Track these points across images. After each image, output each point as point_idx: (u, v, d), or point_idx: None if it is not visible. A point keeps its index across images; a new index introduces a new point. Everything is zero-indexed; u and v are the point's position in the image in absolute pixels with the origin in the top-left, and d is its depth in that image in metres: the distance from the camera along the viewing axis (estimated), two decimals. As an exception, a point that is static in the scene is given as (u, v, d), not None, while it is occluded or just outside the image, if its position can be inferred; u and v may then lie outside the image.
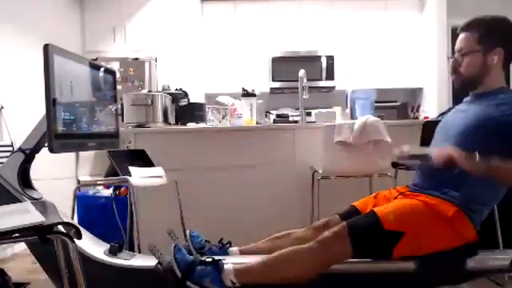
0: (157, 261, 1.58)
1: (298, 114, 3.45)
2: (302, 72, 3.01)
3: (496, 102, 1.49)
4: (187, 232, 1.84)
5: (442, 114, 2.97)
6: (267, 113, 3.69)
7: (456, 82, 1.64)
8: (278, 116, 3.51)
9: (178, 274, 1.48)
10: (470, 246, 1.47)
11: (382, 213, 1.47)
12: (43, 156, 1.69)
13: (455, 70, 1.61)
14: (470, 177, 1.40)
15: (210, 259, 1.52)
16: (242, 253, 1.76)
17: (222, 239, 1.83)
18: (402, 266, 1.49)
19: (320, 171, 2.36)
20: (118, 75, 2.65)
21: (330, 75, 4.75)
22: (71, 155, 4.20)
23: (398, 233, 1.42)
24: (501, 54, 1.53)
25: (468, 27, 1.60)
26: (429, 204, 1.45)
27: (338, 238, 1.44)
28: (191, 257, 1.56)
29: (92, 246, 1.74)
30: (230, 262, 1.52)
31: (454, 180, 1.46)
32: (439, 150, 1.44)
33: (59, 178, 3.79)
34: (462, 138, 1.50)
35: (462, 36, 1.61)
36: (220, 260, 1.52)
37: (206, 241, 1.83)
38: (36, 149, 1.65)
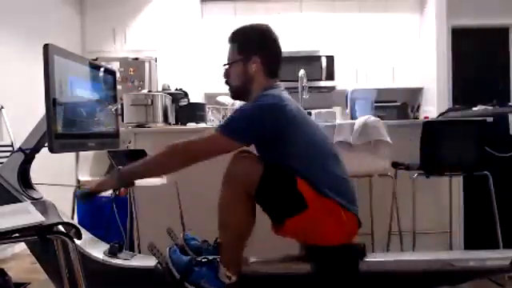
0: (157, 261, 1.58)
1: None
2: (301, 72, 3.01)
3: None
4: (180, 235, 1.84)
5: (442, 114, 2.98)
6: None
7: (230, 93, 1.71)
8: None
9: (176, 275, 1.49)
10: (355, 247, 1.50)
11: (300, 179, 1.46)
12: (43, 156, 1.69)
13: (226, 81, 1.68)
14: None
15: (205, 259, 1.53)
16: None
17: (216, 239, 1.83)
18: (297, 267, 1.53)
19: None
20: (118, 75, 2.65)
21: (330, 75, 4.75)
22: (71, 155, 4.21)
23: (304, 204, 1.41)
24: (258, 62, 1.59)
25: (230, 38, 1.66)
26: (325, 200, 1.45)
27: (253, 166, 1.47)
28: (187, 257, 1.56)
29: (92, 246, 1.74)
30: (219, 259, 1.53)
31: None
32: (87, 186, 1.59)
33: (59, 178, 3.79)
34: None
35: (228, 47, 1.67)
36: (215, 259, 1.52)
37: (203, 241, 1.83)
38: (36, 149, 1.65)
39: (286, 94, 1.59)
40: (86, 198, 1.61)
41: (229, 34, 1.67)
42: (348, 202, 1.47)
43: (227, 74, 1.67)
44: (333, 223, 1.44)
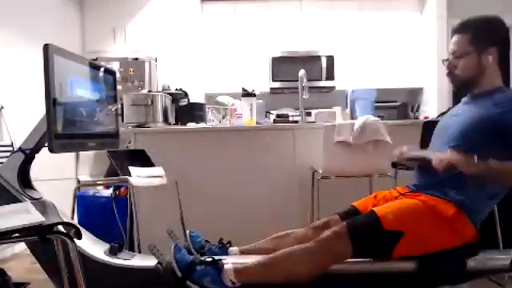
0: (157, 261, 1.58)
1: (297, 113, 3.45)
2: (301, 72, 3.01)
3: (492, 102, 1.49)
4: (187, 232, 1.84)
5: (442, 114, 2.98)
6: (267, 113, 3.69)
7: (453, 84, 1.65)
8: (277, 116, 3.51)
9: (178, 273, 1.48)
10: (469, 246, 1.47)
11: (382, 212, 1.47)
12: (43, 156, 1.69)
13: (451, 72, 1.63)
14: (469, 177, 1.41)
15: (209, 259, 1.52)
16: (242, 253, 1.77)
17: (221, 239, 1.83)
18: (402, 266, 1.49)
19: (320, 171, 2.36)
20: (118, 75, 2.65)
21: (330, 75, 4.75)
22: (71, 155, 4.20)
23: (398, 232, 1.42)
24: (494, 54, 1.54)
25: (460, 29, 1.61)
26: (428, 204, 1.45)
27: (338, 237, 1.44)
28: (191, 256, 1.56)
29: (92, 246, 1.74)
30: (230, 262, 1.52)
31: (453, 180, 1.46)
32: (438, 154, 1.44)
33: (59, 178, 3.79)
34: (460, 139, 1.50)
35: (454, 38, 1.62)
36: (220, 260, 1.52)
37: (205, 241, 1.83)
38: (36, 149, 1.65)
39: None
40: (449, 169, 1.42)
41: (456, 26, 1.62)
42: (478, 216, 1.48)
43: (454, 65, 1.61)
44: (443, 229, 1.43)
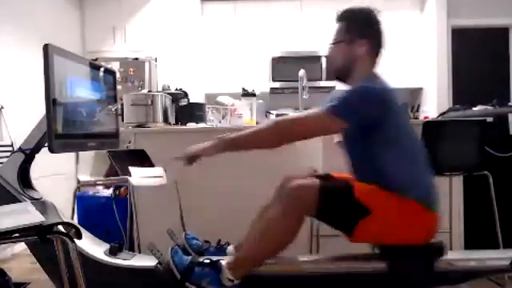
0: (157, 261, 1.58)
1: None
2: (301, 72, 3.01)
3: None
4: (182, 234, 1.84)
5: (442, 114, 2.98)
6: (267, 113, 3.69)
7: (329, 69, 1.69)
8: (277, 116, 3.51)
9: (177, 275, 1.48)
10: (436, 246, 1.48)
11: (357, 184, 1.47)
12: (43, 156, 1.69)
13: (328, 60, 1.68)
14: (368, 159, 1.46)
15: (208, 260, 1.52)
16: (237, 249, 1.76)
17: (219, 240, 1.83)
18: (372, 266, 1.50)
19: (320, 171, 2.35)
20: (118, 75, 2.65)
21: (330, 75, 4.75)
22: (71, 155, 4.21)
23: (366, 209, 1.40)
24: (366, 45, 1.56)
25: (338, 18, 1.64)
26: (393, 199, 1.44)
27: (307, 188, 1.43)
28: (189, 258, 1.56)
29: (92, 246, 1.74)
30: (227, 262, 1.53)
31: (367, 168, 1.50)
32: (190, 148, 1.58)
33: (59, 178, 3.79)
34: None
35: (335, 27, 1.65)
36: (218, 261, 1.52)
37: (205, 241, 1.83)
38: (36, 149, 1.65)
39: (388, 84, 1.57)
40: (189, 160, 1.62)
41: (338, 13, 1.65)
42: (430, 202, 1.46)
43: (331, 53, 1.65)
44: (407, 221, 1.43)
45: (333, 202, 1.43)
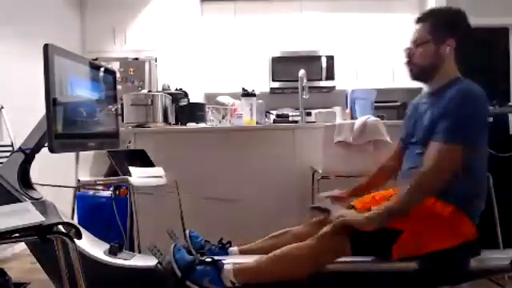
0: (157, 261, 1.58)
1: (297, 113, 3.45)
2: (301, 72, 3.01)
3: (445, 98, 1.48)
4: (186, 232, 1.84)
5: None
6: (267, 113, 3.69)
7: (411, 73, 1.66)
8: (277, 116, 3.51)
9: (178, 273, 1.48)
10: (471, 246, 1.46)
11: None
12: (43, 156, 1.69)
13: (410, 60, 1.64)
14: (453, 174, 1.41)
15: (209, 259, 1.52)
16: (242, 252, 1.76)
17: (221, 239, 1.83)
18: (403, 265, 1.48)
19: (320, 171, 2.35)
20: (118, 75, 2.65)
21: (330, 75, 4.75)
22: (71, 155, 4.20)
23: (397, 231, 1.42)
24: (452, 45, 1.55)
25: (421, 18, 1.62)
26: (426, 204, 1.45)
27: (337, 233, 1.43)
28: (191, 256, 1.56)
29: (92, 246, 1.73)
30: (230, 262, 1.52)
31: None
32: (340, 212, 1.51)
33: (59, 178, 3.79)
34: (424, 147, 1.51)
35: (416, 27, 1.63)
36: (220, 260, 1.52)
37: (205, 241, 1.83)
38: (36, 149, 1.65)
39: None
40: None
41: (420, 14, 1.62)
42: (474, 213, 1.47)
43: (412, 53, 1.62)
44: (441, 228, 1.42)
45: (363, 238, 1.43)
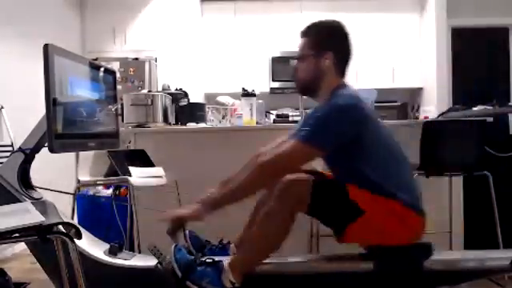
0: (157, 261, 1.58)
1: (297, 114, 3.45)
2: (301, 72, 3.00)
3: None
4: (186, 232, 1.84)
5: (442, 114, 2.98)
6: (267, 113, 3.69)
7: (297, 88, 1.69)
8: (277, 116, 3.51)
9: (178, 273, 1.48)
10: (425, 246, 1.49)
11: (350, 185, 1.46)
12: (43, 156, 1.69)
13: (294, 76, 1.67)
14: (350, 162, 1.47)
15: (210, 260, 1.52)
16: (237, 246, 1.76)
17: (222, 239, 1.83)
18: (359, 265, 1.51)
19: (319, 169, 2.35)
20: (118, 75, 2.65)
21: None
22: (71, 155, 4.20)
23: (359, 210, 1.41)
24: (331, 58, 1.57)
25: (303, 33, 1.65)
26: (383, 199, 1.44)
27: (301, 183, 1.43)
28: (191, 257, 1.56)
29: (92, 246, 1.73)
30: (228, 262, 1.52)
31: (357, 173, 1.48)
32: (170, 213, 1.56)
33: (59, 178, 3.78)
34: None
35: (299, 42, 1.65)
36: (220, 261, 1.52)
37: (206, 241, 1.83)
38: (36, 149, 1.65)
39: (358, 94, 1.57)
40: (174, 228, 1.55)
41: (302, 29, 1.65)
42: (415, 203, 1.47)
43: (296, 69, 1.65)
44: (396, 224, 1.43)
45: (326, 200, 1.44)
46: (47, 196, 1.74)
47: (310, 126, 1.46)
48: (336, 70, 1.60)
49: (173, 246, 1.55)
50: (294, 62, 1.67)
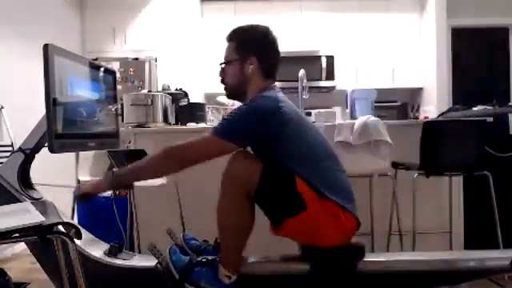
0: (157, 261, 1.59)
1: (297, 114, 3.44)
2: (301, 72, 3.01)
3: None
4: (180, 235, 1.84)
5: (443, 114, 2.98)
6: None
7: (225, 90, 1.70)
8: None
9: (176, 275, 1.49)
10: (357, 248, 1.50)
11: (298, 177, 1.45)
12: (43, 156, 1.69)
13: (222, 80, 1.68)
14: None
15: (205, 259, 1.53)
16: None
17: (216, 239, 1.83)
18: (295, 267, 1.52)
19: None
20: (118, 75, 2.65)
21: (330, 75, 4.75)
22: (71, 155, 4.20)
23: (303, 205, 1.40)
24: (255, 62, 1.59)
25: (228, 37, 1.65)
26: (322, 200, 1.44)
27: (252, 162, 1.45)
28: (187, 257, 1.56)
29: (92, 246, 1.74)
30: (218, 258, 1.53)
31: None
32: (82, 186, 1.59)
33: (59, 178, 3.79)
34: None
35: (226, 46, 1.66)
36: (215, 259, 1.52)
37: (204, 240, 1.83)
38: (36, 149, 1.65)
39: (282, 96, 1.58)
40: (81, 199, 1.59)
41: (227, 33, 1.66)
42: (347, 203, 1.46)
43: (223, 73, 1.66)
44: (331, 224, 1.43)
45: (273, 184, 1.43)
46: (47, 196, 1.74)
47: (223, 122, 1.52)
48: (261, 73, 1.61)
49: (167, 249, 1.56)
50: (221, 66, 1.67)
